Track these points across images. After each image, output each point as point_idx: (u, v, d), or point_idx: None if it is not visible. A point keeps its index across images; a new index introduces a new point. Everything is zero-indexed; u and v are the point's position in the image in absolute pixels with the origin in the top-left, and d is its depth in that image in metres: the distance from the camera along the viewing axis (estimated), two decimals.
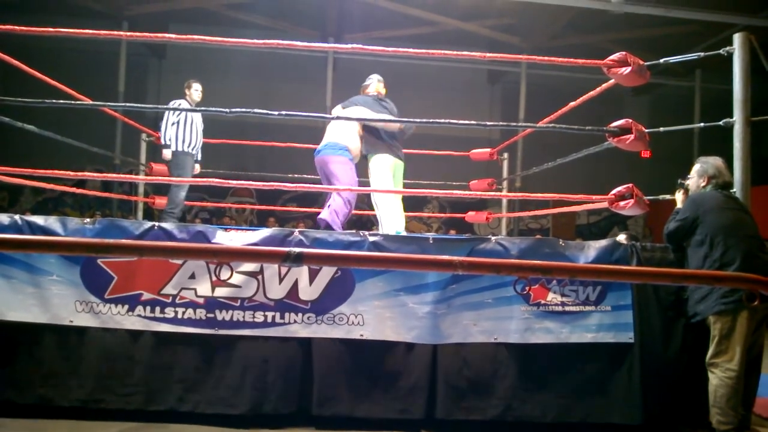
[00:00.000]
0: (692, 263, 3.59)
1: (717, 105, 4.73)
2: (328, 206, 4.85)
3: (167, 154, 6.23)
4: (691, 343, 3.76)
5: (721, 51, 3.88)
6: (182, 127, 6.25)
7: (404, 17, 11.40)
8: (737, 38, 3.82)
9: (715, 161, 3.70)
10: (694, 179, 3.75)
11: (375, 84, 5.44)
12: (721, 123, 3.89)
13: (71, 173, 4.31)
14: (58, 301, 3.59)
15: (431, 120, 4.14)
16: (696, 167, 3.76)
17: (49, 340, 3.59)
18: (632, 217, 4.87)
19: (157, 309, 3.62)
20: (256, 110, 3.87)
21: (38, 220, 3.70)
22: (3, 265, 3.58)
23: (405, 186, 5.58)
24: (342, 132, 5.05)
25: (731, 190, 3.71)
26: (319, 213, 4.99)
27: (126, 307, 3.62)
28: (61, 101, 4.12)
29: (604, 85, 4.29)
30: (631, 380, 3.69)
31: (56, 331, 3.60)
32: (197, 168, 6.63)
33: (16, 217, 3.69)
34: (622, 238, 4.94)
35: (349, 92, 5.58)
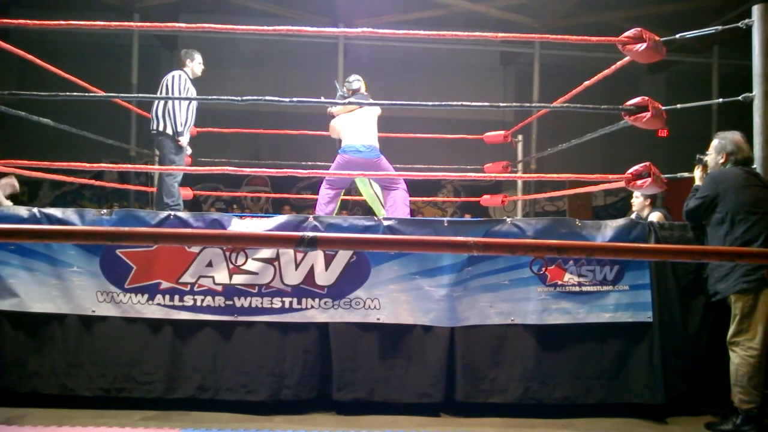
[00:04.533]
0: (712, 242, 3.54)
1: (735, 81, 4.64)
2: (397, 204, 4.99)
3: (185, 140, 5.46)
4: (712, 322, 3.72)
5: (739, 24, 3.79)
6: (189, 107, 5.48)
7: (414, 1, 11.30)
8: (756, 10, 3.73)
9: (733, 136, 3.62)
10: (713, 155, 3.68)
11: (363, 85, 5.46)
12: (740, 98, 3.81)
13: (88, 165, 4.35)
14: (80, 292, 3.64)
15: (443, 103, 4.10)
16: (714, 143, 3.69)
17: (73, 330, 3.65)
18: (654, 195, 4.81)
19: (176, 297, 3.66)
20: (268, 97, 3.87)
21: (56, 212, 3.75)
22: (26, 258, 3.63)
23: (418, 171, 5.60)
24: (374, 134, 5.17)
25: (752, 166, 3.63)
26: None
27: (146, 296, 3.66)
28: (75, 93, 4.16)
29: (619, 63, 4.23)
30: (651, 360, 3.66)
31: (79, 321, 3.65)
32: (188, 149, 5.79)
33: (35, 209, 3.74)
34: (655, 216, 4.87)
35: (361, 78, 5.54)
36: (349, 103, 5.04)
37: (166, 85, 5.51)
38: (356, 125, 5.15)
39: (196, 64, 5.70)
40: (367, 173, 4.95)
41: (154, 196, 5.91)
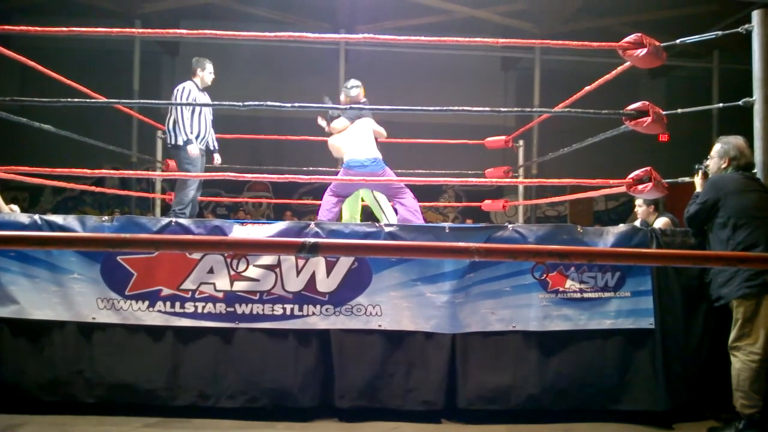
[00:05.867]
0: (714, 247, 3.52)
1: (736, 86, 4.64)
2: (401, 211, 5.03)
3: (195, 149, 5.44)
4: (714, 328, 3.71)
5: (739, 29, 3.79)
6: (194, 116, 5.51)
7: (415, 6, 11.33)
8: (756, 15, 3.73)
9: (736, 141, 3.61)
10: (715, 160, 3.67)
11: (362, 90, 5.42)
12: (740, 102, 3.81)
13: (89, 171, 4.35)
14: (80, 299, 3.64)
15: (445, 108, 4.11)
16: (716, 147, 3.68)
17: (73, 337, 3.65)
18: (656, 201, 4.82)
19: (177, 304, 3.66)
20: (269, 103, 3.87)
21: (57, 219, 3.75)
22: (26, 265, 3.63)
23: (419, 176, 5.60)
24: (374, 146, 5.17)
25: (753, 171, 3.63)
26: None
27: (146, 303, 3.65)
28: (77, 100, 4.17)
29: (620, 68, 4.23)
30: (653, 366, 3.65)
31: (79, 328, 3.65)
32: (217, 159, 6.01)
33: (36, 216, 3.74)
34: (661, 222, 4.85)
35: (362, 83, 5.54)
36: (351, 108, 5.04)
37: (174, 97, 5.57)
38: (356, 139, 5.15)
39: (206, 74, 5.70)
40: (373, 179, 4.94)
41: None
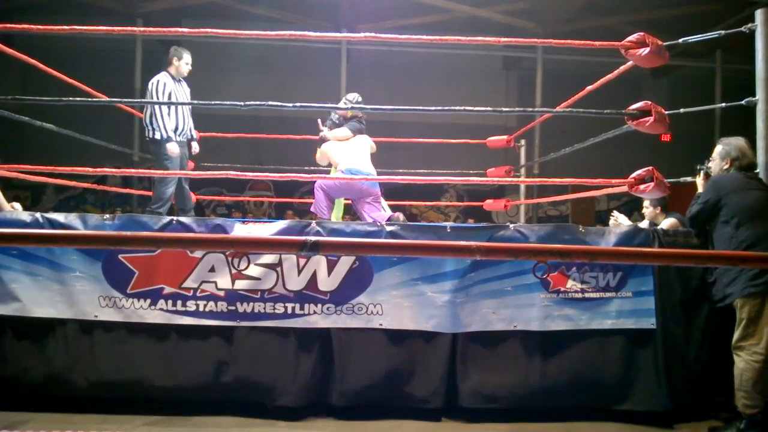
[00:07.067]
0: (717, 246, 3.53)
1: (739, 86, 4.63)
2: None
3: (175, 148, 5.24)
4: (716, 328, 3.71)
5: (742, 28, 3.79)
6: (172, 110, 5.27)
7: (416, 5, 11.30)
8: (759, 14, 3.73)
9: (737, 142, 3.62)
10: (717, 161, 3.67)
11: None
12: (743, 102, 3.80)
13: (90, 169, 4.36)
14: (82, 297, 3.64)
15: (446, 108, 4.10)
16: (718, 149, 3.68)
17: (75, 335, 3.66)
18: (663, 202, 4.78)
19: (179, 302, 3.66)
20: (270, 102, 3.87)
21: (59, 217, 3.76)
22: (28, 263, 3.64)
23: (420, 175, 5.59)
24: (370, 162, 5.18)
25: (755, 171, 3.63)
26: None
27: (148, 301, 3.66)
28: (78, 98, 4.17)
29: (622, 67, 4.22)
30: (655, 366, 3.65)
31: (81, 326, 3.65)
32: (195, 147, 5.76)
33: (38, 214, 3.75)
34: (667, 222, 4.83)
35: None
36: (351, 108, 5.03)
37: (149, 92, 5.34)
38: (357, 151, 5.13)
39: (182, 64, 5.42)
40: (370, 178, 4.93)
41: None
